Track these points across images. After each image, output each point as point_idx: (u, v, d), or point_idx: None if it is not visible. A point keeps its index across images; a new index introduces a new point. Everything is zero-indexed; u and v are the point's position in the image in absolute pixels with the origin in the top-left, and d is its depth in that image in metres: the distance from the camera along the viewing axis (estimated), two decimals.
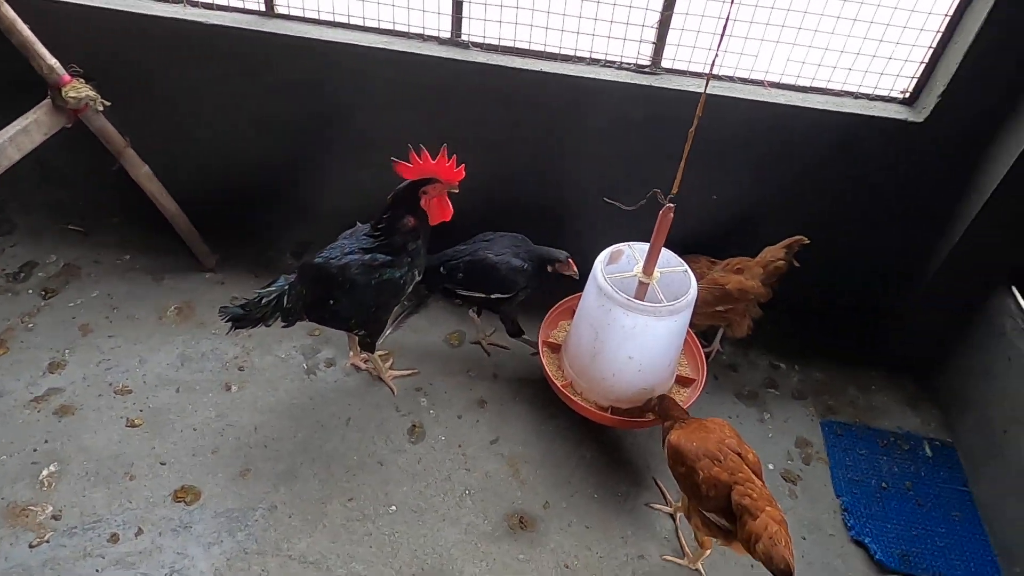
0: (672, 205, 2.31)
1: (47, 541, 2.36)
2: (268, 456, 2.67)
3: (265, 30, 2.82)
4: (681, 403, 2.62)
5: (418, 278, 2.60)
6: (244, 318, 2.44)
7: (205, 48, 2.89)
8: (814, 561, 2.56)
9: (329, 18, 2.86)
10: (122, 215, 3.55)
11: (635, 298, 2.46)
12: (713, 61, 2.09)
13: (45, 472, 2.54)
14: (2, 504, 2.44)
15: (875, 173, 2.91)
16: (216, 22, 2.81)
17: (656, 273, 2.53)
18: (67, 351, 2.94)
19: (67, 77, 2.68)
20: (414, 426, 2.84)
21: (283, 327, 2.57)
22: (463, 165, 2.38)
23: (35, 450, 2.60)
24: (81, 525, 2.41)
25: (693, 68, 2.81)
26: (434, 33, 2.85)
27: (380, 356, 2.96)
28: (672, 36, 2.74)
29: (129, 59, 2.95)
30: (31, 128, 2.64)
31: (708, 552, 2.40)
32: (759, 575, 2.48)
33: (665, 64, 2.82)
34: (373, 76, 2.90)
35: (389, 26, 2.85)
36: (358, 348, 2.97)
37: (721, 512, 2.14)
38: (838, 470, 2.85)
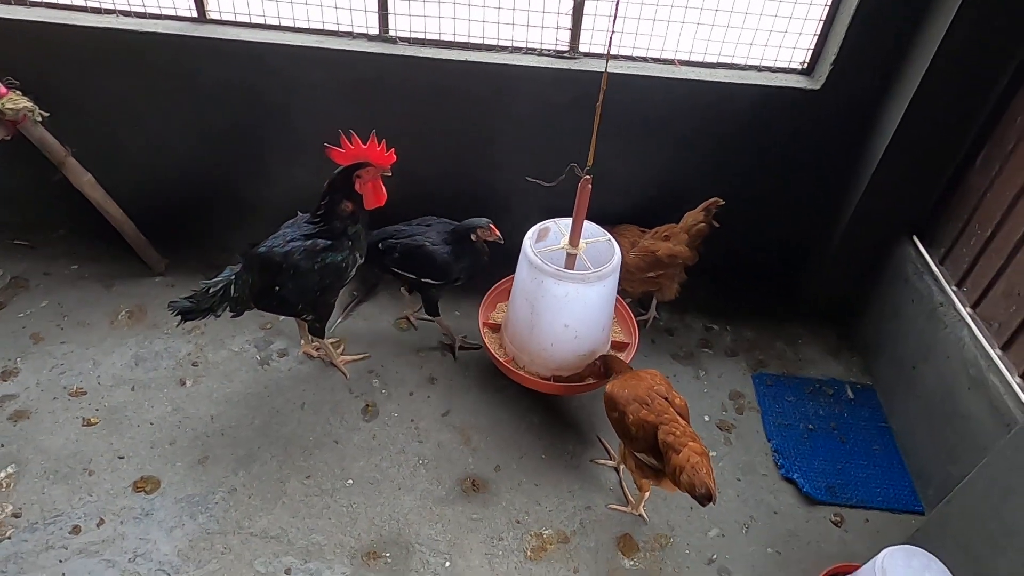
0: (589, 177, 2.49)
1: (8, 537, 2.41)
2: (226, 443, 2.76)
3: (198, 35, 2.93)
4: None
5: (360, 260, 2.72)
6: (192, 310, 2.53)
7: (140, 56, 2.98)
8: (748, 499, 2.75)
9: (260, 21, 2.98)
10: (68, 227, 3.60)
11: (564, 268, 2.63)
12: (610, 39, 2.27)
13: (2, 474, 2.59)
14: None
15: (782, 139, 3.14)
16: (149, 29, 2.90)
17: (582, 244, 2.70)
18: (19, 359, 2.99)
19: (3, 89, 2.75)
20: (367, 405, 2.96)
21: (232, 316, 2.66)
22: (393, 149, 2.50)
23: None
24: (42, 520, 2.47)
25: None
26: (363, 30, 2.98)
27: (332, 343, 3.08)
28: (587, 22, 2.92)
29: (64, 70, 3.02)
30: None
31: (647, 495, 2.57)
32: (696, 517, 2.67)
33: (583, 48, 3.01)
34: (306, 75, 3.02)
35: (319, 26, 2.98)
36: (309, 336, 3.08)
37: (651, 452, 2.31)
38: (768, 417, 3.05)
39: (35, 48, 2.95)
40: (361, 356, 3.14)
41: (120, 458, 2.68)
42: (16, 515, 2.48)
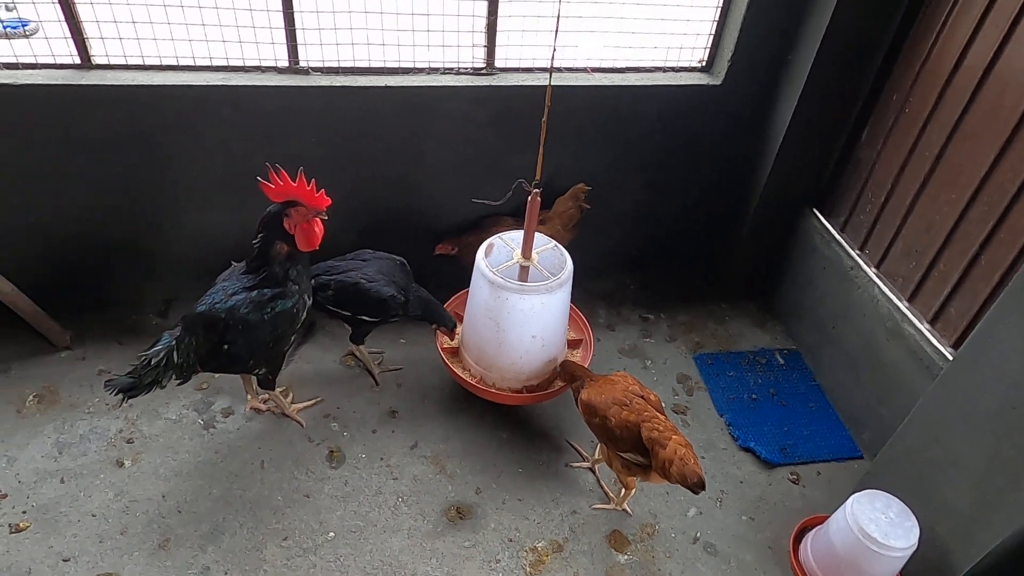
0: (539, 191, 2.53)
1: None
2: (186, 520, 2.55)
3: (84, 83, 2.66)
4: (581, 362, 2.86)
5: (309, 302, 2.60)
6: (135, 385, 2.30)
7: (16, 111, 2.66)
8: (716, 473, 2.92)
9: (155, 62, 2.76)
10: None
11: (519, 281, 2.65)
12: (553, 55, 2.32)
13: None
14: None
15: (691, 132, 3.35)
16: (27, 82, 2.60)
17: (534, 255, 2.74)
18: None
19: None
20: (331, 451, 2.84)
21: (179, 384, 2.45)
22: (323, 190, 2.37)
23: None
24: None
25: (523, 65, 3.07)
26: (271, 63, 2.84)
27: (280, 392, 2.92)
28: (500, 38, 2.96)
29: None
30: None
31: (633, 492, 2.67)
32: (674, 500, 2.80)
33: (499, 64, 3.04)
34: (212, 114, 2.83)
35: (223, 62, 2.80)
36: (256, 390, 2.90)
37: (636, 449, 2.40)
38: (716, 393, 3.25)
39: None
40: (314, 401, 3.00)
41: (65, 560, 2.40)
42: None
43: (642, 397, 2.43)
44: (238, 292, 2.45)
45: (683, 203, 3.63)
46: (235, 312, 2.41)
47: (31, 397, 2.89)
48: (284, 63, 2.85)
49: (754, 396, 3.26)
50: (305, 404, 2.98)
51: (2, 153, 2.76)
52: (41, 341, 3.08)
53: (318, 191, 2.36)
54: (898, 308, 2.88)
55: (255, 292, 2.44)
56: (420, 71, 2.98)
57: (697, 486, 2.23)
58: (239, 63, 2.82)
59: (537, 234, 2.83)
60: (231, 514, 2.58)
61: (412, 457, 2.85)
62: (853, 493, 2.47)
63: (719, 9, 3.09)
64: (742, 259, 3.68)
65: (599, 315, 3.61)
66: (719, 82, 3.20)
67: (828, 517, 2.57)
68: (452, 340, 3.02)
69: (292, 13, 2.72)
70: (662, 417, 2.39)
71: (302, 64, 2.86)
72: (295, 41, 2.80)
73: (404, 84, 2.92)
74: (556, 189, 3.32)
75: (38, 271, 3.01)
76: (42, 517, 2.51)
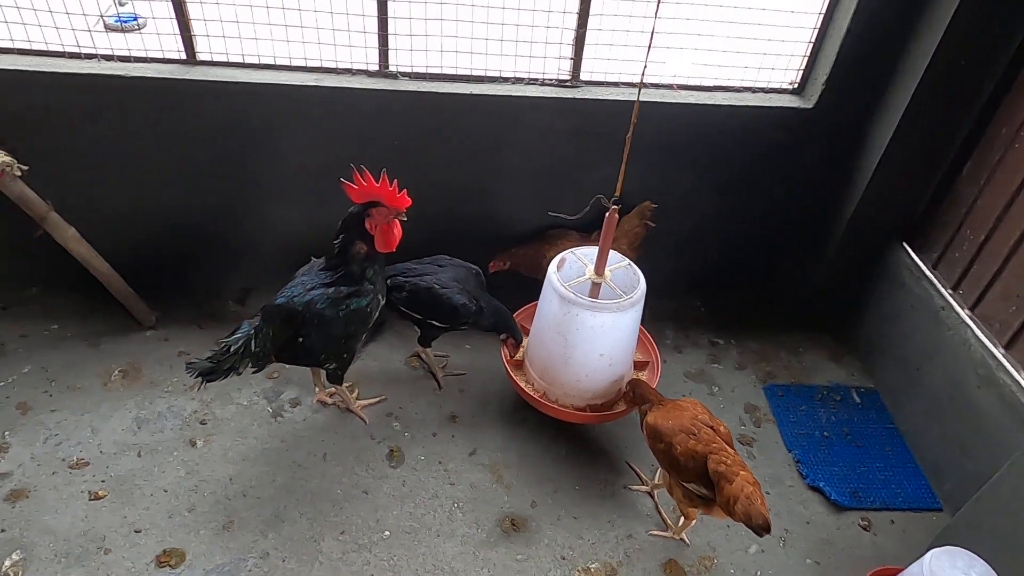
0: (617, 207, 2.50)
1: None
2: (250, 504, 2.62)
3: (189, 77, 2.80)
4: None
5: (382, 302, 2.65)
6: (214, 370, 2.39)
7: (125, 101, 2.82)
8: (780, 511, 2.81)
9: (255, 60, 2.87)
10: (41, 284, 3.37)
11: (589, 297, 2.62)
12: (643, 71, 2.29)
13: (8, 563, 2.38)
14: None
15: (776, 155, 3.24)
16: (136, 74, 2.75)
17: (606, 272, 2.70)
18: (7, 432, 2.76)
19: None
20: (392, 451, 2.87)
21: (254, 372, 2.53)
22: (405, 190, 2.42)
23: None
24: None
25: (608, 79, 3.04)
26: (362, 67, 2.92)
27: (346, 387, 2.97)
28: (587, 51, 2.95)
29: (44, 120, 2.83)
30: None
31: (693, 522, 2.59)
32: (735, 535, 2.70)
33: (584, 77, 3.03)
34: (303, 113, 2.93)
35: (317, 63, 2.89)
36: (324, 383, 2.97)
37: (700, 481, 2.33)
38: (785, 427, 3.13)
39: (10, 97, 2.75)
40: (378, 399, 3.05)
41: (137, 532, 2.51)
42: None
43: (711, 427, 2.36)
44: (316, 287, 2.51)
45: (760, 226, 3.52)
46: (312, 307, 2.47)
47: (116, 372, 3.05)
48: (374, 67, 2.92)
49: (826, 434, 3.12)
50: (369, 401, 3.03)
51: (110, 140, 2.93)
52: (129, 319, 3.24)
53: (399, 191, 2.40)
54: (993, 354, 2.70)
55: (332, 289, 2.50)
56: (505, 80, 2.99)
57: (762, 528, 2.14)
58: (331, 65, 2.90)
59: (614, 252, 2.80)
60: (292, 503, 2.64)
61: (470, 464, 2.86)
62: (931, 547, 2.31)
63: (816, 31, 2.98)
64: (821, 289, 3.53)
65: (666, 336, 3.53)
66: (810, 105, 3.08)
67: (901, 570, 2.41)
68: (515, 354, 3.01)
69: (386, 19, 2.79)
70: (731, 450, 2.31)
71: (391, 68, 2.92)
72: (387, 46, 2.86)
73: (488, 92, 2.94)
74: (623, 206, 3.26)
75: (132, 253, 3.17)
76: (119, 488, 2.63)
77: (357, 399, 3.02)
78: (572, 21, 2.85)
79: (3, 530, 2.47)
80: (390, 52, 2.88)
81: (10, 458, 2.68)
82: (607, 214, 2.50)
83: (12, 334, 3.15)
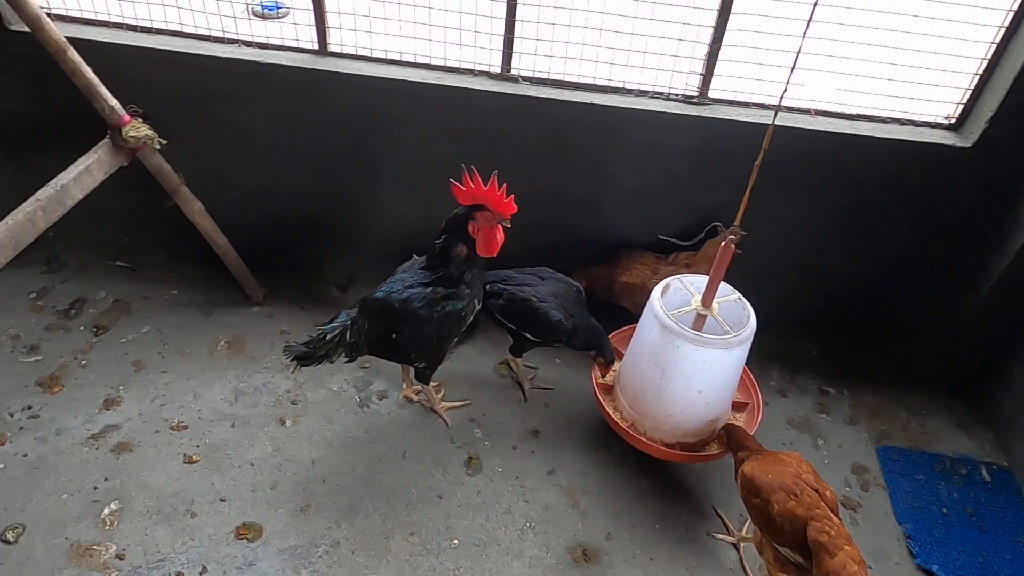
0: (735, 238, 2.33)
1: None
2: (328, 491, 2.66)
3: (319, 68, 2.88)
4: (745, 427, 2.61)
5: (478, 307, 2.61)
6: (309, 356, 2.45)
7: (258, 86, 2.94)
8: None
9: (381, 55, 2.91)
10: (168, 252, 3.60)
11: (693, 330, 2.46)
12: (783, 93, 2.12)
13: (107, 511, 2.53)
14: (66, 544, 2.43)
15: (922, 197, 2.94)
16: (271, 61, 2.86)
17: (714, 304, 2.53)
18: (121, 387, 2.95)
19: (127, 117, 2.73)
20: (470, 458, 2.83)
21: (346, 361, 2.57)
22: (512, 196, 2.36)
23: (95, 488, 2.60)
24: (146, 564, 2.40)
25: (740, 98, 2.86)
26: (484, 68, 2.89)
27: (432, 387, 2.97)
28: (719, 67, 2.78)
29: (183, 98, 3.00)
30: (93, 168, 2.69)
31: None
32: None
33: (713, 95, 2.86)
34: (423, 111, 2.94)
35: (440, 62, 2.90)
36: (412, 380, 2.97)
37: (796, 547, 2.12)
38: (897, 496, 2.83)
39: (157, 75, 2.94)
40: (462, 403, 3.02)
41: (222, 500, 2.60)
42: (120, 556, 2.41)
43: (816, 490, 2.14)
44: (414, 286, 2.51)
45: (889, 270, 3.19)
46: (408, 304, 2.47)
47: (223, 342, 3.19)
48: (496, 69, 2.89)
49: (945, 510, 2.79)
50: (454, 404, 3.00)
51: (243, 122, 3.07)
52: (240, 294, 3.39)
53: (507, 197, 2.35)
54: None
55: (430, 289, 2.48)
56: (628, 92, 2.88)
57: None
58: (455, 64, 2.89)
59: (724, 284, 2.62)
60: (368, 496, 2.66)
61: (547, 483, 2.77)
62: None
63: (985, 62, 2.66)
64: (957, 346, 3.17)
65: (771, 376, 3.29)
66: (968, 144, 2.76)
67: None
68: (606, 376, 2.89)
69: (514, 22, 2.75)
70: (836, 520, 2.09)
71: (513, 72, 2.88)
72: (511, 49, 2.82)
73: (609, 103, 2.84)
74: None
75: (249, 231, 3.31)
76: (211, 455, 2.75)
77: (442, 400, 3.00)
78: (707, 35, 2.69)
79: (107, 479, 2.63)
80: (514, 55, 2.84)
81: (121, 411, 2.86)
82: (723, 244, 2.34)
83: (137, 295, 3.37)
